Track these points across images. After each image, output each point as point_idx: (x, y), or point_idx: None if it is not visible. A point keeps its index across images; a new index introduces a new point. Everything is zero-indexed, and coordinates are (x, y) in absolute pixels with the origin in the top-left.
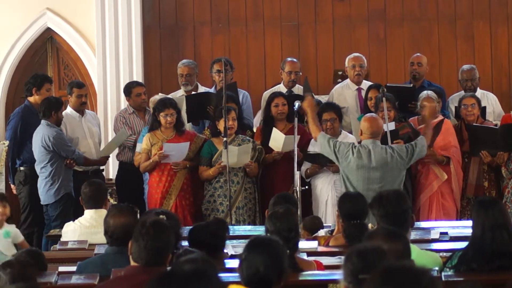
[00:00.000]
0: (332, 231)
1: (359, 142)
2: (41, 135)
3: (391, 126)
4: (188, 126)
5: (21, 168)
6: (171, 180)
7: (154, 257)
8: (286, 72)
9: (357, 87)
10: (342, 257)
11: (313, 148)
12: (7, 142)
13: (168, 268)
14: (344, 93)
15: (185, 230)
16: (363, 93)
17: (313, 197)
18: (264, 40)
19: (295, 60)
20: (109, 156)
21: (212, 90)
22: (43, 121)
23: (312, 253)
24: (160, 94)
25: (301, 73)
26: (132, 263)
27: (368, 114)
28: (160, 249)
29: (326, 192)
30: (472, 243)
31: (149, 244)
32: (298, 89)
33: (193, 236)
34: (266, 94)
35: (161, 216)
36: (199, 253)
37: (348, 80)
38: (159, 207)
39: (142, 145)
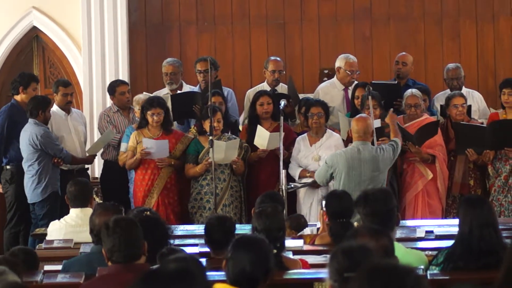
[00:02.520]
0: (318, 229)
1: (344, 140)
2: (28, 133)
3: (377, 123)
4: (173, 125)
5: (8, 167)
6: (154, 178)
7: (130, 251)
8: (270, 71)
9: (344, 87)
10: (328, 255)
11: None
12: None
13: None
14: (331, 93)
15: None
16: (349, 92)
17: (297, 199)
18: (250, 39)
19: (278, 59)
20: (96, 155)
21: (196, 88)
22: (30, 120)
23: (298, 251)
24: (144, 93)
25: (284, 72)
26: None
27: (358, 115)
28: (133, 241)
29: (312, 195)
30: (459, 241)
31: (121, 241)
32: (281, 87)
33: (205, 229)
34: (250, 93)
35: (146, 213)
36: (185, 252)
37: (334, 79)
38: (141, 205)
39: (128, 143)
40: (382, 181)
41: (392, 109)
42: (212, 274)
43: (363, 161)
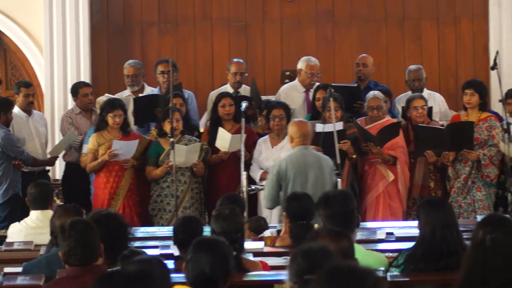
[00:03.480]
0: (279, 231)
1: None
2: None
3: (339, 126)
4: (133, 129)
5: None
6: (119, 180)
7: (86, 255)
8: (232, 73)
9: (305, 89)
10: (288, 257)
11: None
12: None
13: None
14: (292, 95)
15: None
16: (310, 95)
17: (258, 201)
18: (212, 41)
19: (241, 61)
20: (57, 157)
21: (157, 90)
22: None
23: (258, 253)
24: (106, 94)
25: (247, 74)
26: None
27: (296, 119)
28: (88, 245)
29: None
30: (420, 242)
31: (77, 245)
32: (244, 89)
33: (173, 230)
34: (212, 94)
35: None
36: (147, 254)
37: (296, 82)
38: (106, 207)
39: (88, 146)
40: (329, 184)
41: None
42: (178, 276)
43: (308, 166)
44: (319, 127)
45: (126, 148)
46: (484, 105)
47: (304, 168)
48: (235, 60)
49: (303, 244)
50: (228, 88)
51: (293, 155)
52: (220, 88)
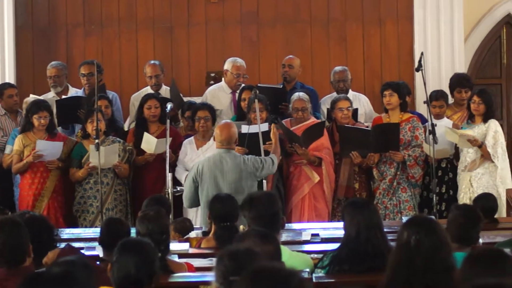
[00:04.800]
0: (208, 232)
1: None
2: None
3: (264, 127)
4: (58, 130)
5: None
6: (44, 182)
7: (13, 256)
8: (147, 76)
9: (231, 90)
10: (214, 259)
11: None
12: None
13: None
14: (219, 96)
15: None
16: (237, 96)
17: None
18: (137, 42)
19: (157, 63)
20: None
21: (81, 92)
22: None
23: (183, 255)
24: (31, 95)
25: (163, 75)
26: None
27: (222, 122)
28: (16, 246)
29: None
30: (345, 243)
31: (4, 246)
32: (165, 90)
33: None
34: (134, 97)
35: (28, 214)
36: (76, 256)
37: (222, 83)
38: (31, 209)
39: (14, 147)
40: (249, 189)
41: (274, 123)
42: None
43: (226, 170)
44: (245, 128)
45: (51, 149)
46: (404, 105)
47: (220, 171)
48: (151, 62)
49: (230, 246)
50: (149, 90)
51: (212, 158)
52: (141, 91)
